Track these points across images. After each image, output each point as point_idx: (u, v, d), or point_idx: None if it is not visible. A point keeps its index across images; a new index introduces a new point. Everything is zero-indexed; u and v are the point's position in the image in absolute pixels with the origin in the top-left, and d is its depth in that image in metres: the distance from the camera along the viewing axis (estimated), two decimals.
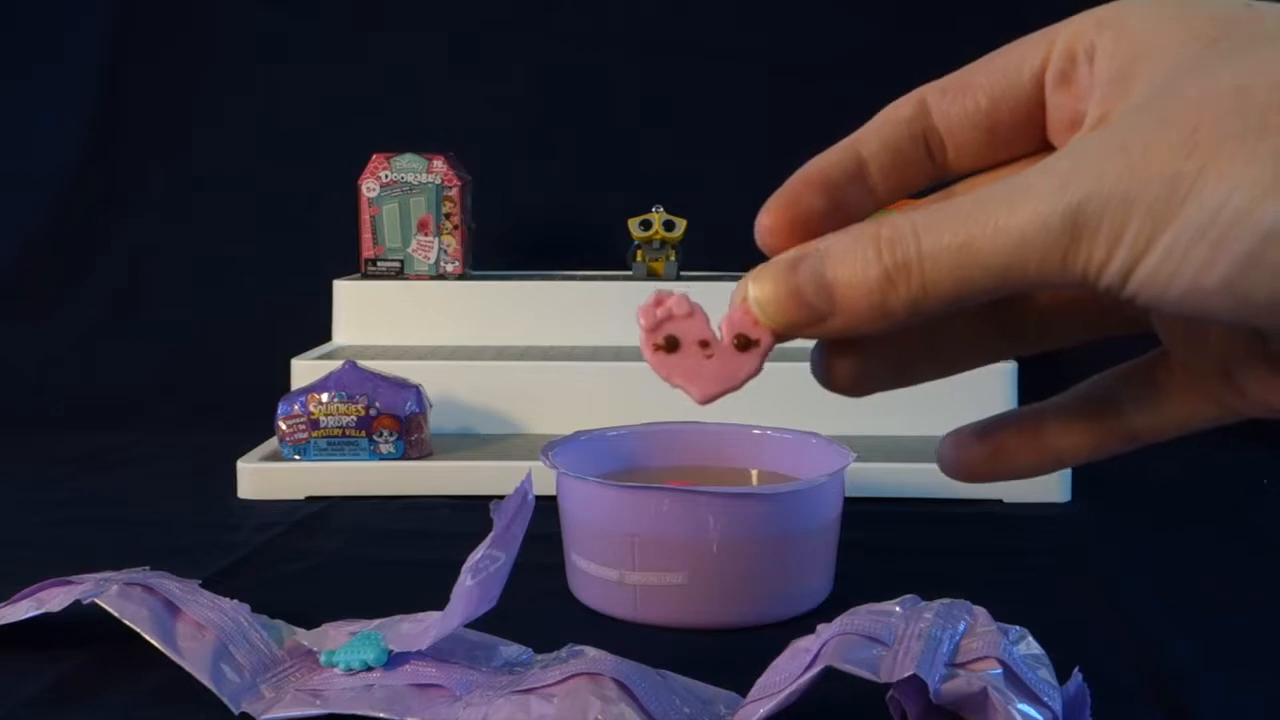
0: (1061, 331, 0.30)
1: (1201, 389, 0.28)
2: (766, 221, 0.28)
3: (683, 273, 1.05)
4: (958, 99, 0.28)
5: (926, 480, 0.82)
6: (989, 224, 0.24)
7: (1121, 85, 0.25)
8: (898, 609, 0.45)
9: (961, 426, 0.31)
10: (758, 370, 0.28)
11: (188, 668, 0.48)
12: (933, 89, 0.28)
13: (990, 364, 0.31)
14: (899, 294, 0.25)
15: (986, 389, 0.85)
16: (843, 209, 0.28)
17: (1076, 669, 0.44)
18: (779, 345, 0.28)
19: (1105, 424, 0.30)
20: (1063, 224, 0.23)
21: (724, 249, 1.12)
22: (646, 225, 1.04)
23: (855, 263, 0.25)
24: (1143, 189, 0.22)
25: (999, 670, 0.41)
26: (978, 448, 0.31)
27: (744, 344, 0.28)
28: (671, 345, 0.28)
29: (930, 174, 0.29)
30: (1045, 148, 0.28)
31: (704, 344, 0.28)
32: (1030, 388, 0.85)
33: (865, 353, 0.28)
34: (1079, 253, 0.23)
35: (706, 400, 0.28)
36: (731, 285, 0.99)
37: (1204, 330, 0.27)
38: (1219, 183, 0.22)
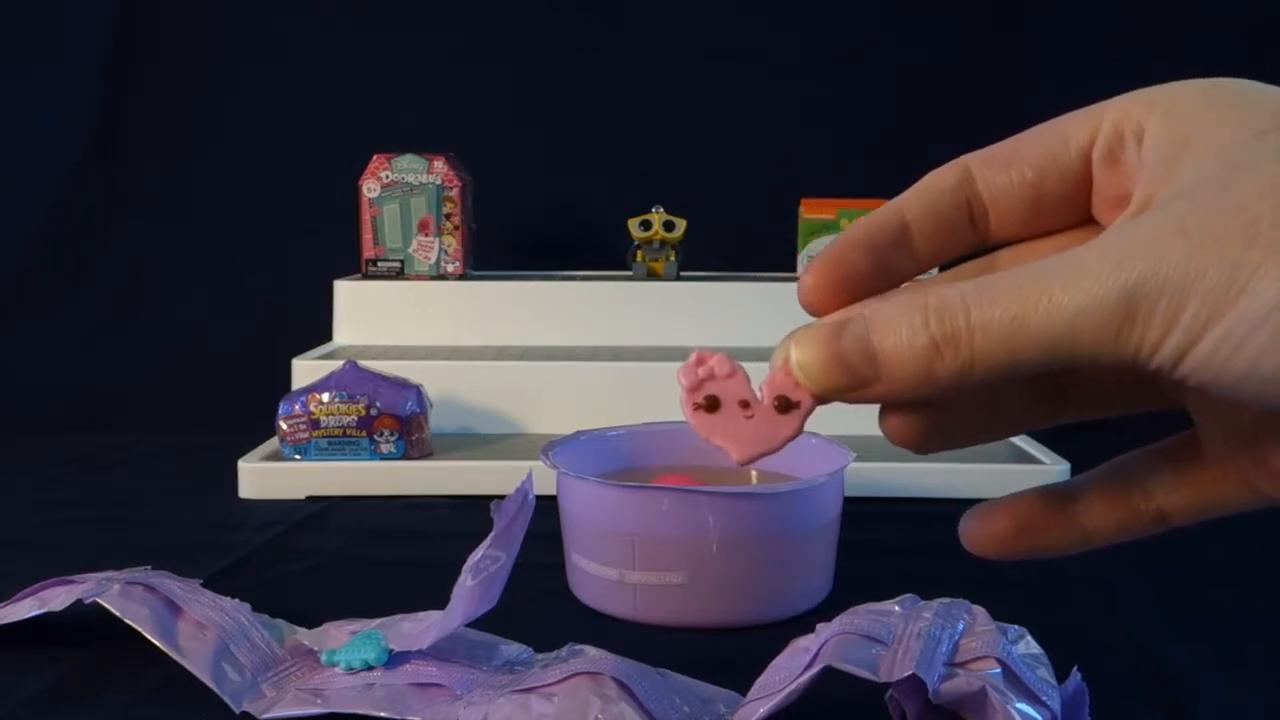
0: (1108, 404, 0.30)
1: (1232, 473, 0.28)
2: (810, 281, 0.28)
3: (682, 273, 1.05)
4: (1003, 170, 0.28)
5: (926, 480, 0.82)
6: (1042, 299, 0.24)
7: (1168, 169, 0.25)
8: (897, 609, 0.45)
9: (984, 501, 0.31)
10: (798, 432, 0.28)
11: (189, 667, 0.48)
12: (977, 158, 0.29)
13: (1035, 429, 0.31)
14: (945, 364, 0.25)
15: None
16: (886, 271, 0.28)
17: (1075, 668, 0.44)
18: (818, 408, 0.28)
19: (1133, 504, 0.30)
20: (1118, 303, 0.23)
21: (724, 249, 1.13)
22: (646, 225, 1.04)
23: (901, 330, 0.25)
24: (1202, 273, 0.23)
25: (998, 670, 0.41)
26: (1004, 523, 0.30)
27: (785, 406, 0.28)
28: (712, 405, 0.28)
29: (972, 241, 0.29)
30: (1089, 222, 0.28)
31: (744, 404, 0.28)
32: None
33: (924, 414, 0.28)
34: (1133, 332, 0.23)
35: (746, 461, 0.28)
36: (731, 286, 0.99)
37: (1239, 414, 0.27)
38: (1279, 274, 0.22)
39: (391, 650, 0.49)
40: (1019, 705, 0.40)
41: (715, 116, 1.21)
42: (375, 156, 1.02)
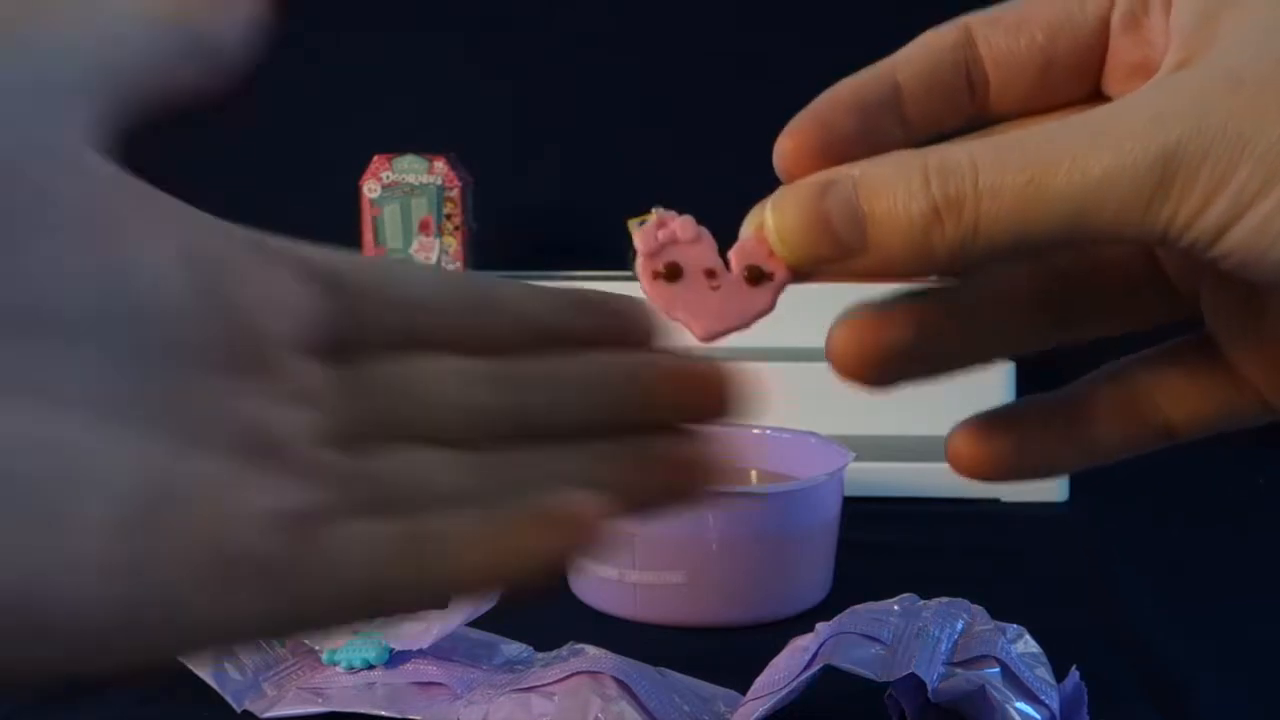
0: (1109, 309, 0.27)
1: (1246, 384, 0.25)
2: (789, 144, 0.25)
3: None
4: (1011, 32, 0.25)
5: (925, 480, 0.82)
6: (1064, 161, 0.21)
7: (1208, 31, 0.22)
8: (896, 608, 0.45)
9: (969, 418, 0.27)
10: (770, 308, 0.24)
11: (190, 666, 0.48)
12: (981, 19, 0.25)
13: (1022, 352, 0.28)
14: (945, 234, 0.22)
15: (985, 386, 0.85)
16: (874, 137, 0.25)
17: (1074, 667, 0.44)
18: (792, 284, 0.25)
19: (1139, 416, 0.26)
20: (1153, 165, 0.20)
21: (724, 249, 1.12)
22: None
23: (897, 193, 0.22)
24: (1260, 130, 0.20)
25: (997, 669, 0.41)
26: (997, 440, 0.26)
27: (756, 277, 0.24)
28: (673, 274, 0.25)
29: (968, 111, 0.26)
30: (1096, 96, 0.25)
31: (710, 274, 0.25)
32: (1027, 389, 0.85)
33: (886, 328, 0.25)
34: (1166, 201, 0.20)
35: (709, 338, 0.25)
36: None
37: (1262, 315, 0.24)
38: None
39: (392, 649, 0.49)
40: (1018, 704, 0.40)
41: (715, 117, 1.21)
42: (376, 157, 1.02)
